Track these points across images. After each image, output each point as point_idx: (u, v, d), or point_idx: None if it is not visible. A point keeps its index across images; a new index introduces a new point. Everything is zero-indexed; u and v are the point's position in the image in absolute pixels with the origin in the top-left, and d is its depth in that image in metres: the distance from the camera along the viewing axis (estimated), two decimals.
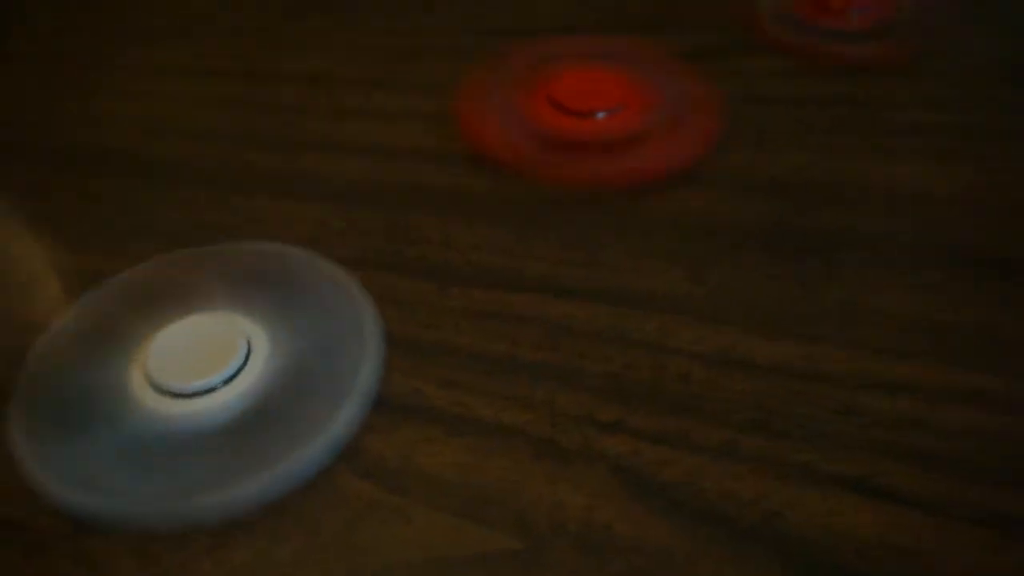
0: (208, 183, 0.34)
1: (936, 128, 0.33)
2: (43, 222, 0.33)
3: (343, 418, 0.24)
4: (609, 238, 0.30)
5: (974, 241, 0.29)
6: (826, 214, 0.30)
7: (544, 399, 0.25)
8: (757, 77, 0.37)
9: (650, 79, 0.35)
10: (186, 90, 0.41)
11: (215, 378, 0.25)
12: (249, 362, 0.25)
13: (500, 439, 0.24)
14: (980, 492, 0.22)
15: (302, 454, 0.23)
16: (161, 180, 0.35)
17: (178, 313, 0.27)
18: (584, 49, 0.37)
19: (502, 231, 0.31)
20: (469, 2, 0.45)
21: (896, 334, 0.26)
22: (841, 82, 0.36)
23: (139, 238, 0.32)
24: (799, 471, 0.23)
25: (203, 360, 0.25)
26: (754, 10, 0.40)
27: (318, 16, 0.46)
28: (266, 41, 0.44)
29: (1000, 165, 0.31)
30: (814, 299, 0.27)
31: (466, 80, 0.36)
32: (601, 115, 0.33)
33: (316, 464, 0.24)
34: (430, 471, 0.24)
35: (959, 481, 0.22)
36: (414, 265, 0.30)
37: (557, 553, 0.22)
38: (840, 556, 0.21)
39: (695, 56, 0.38)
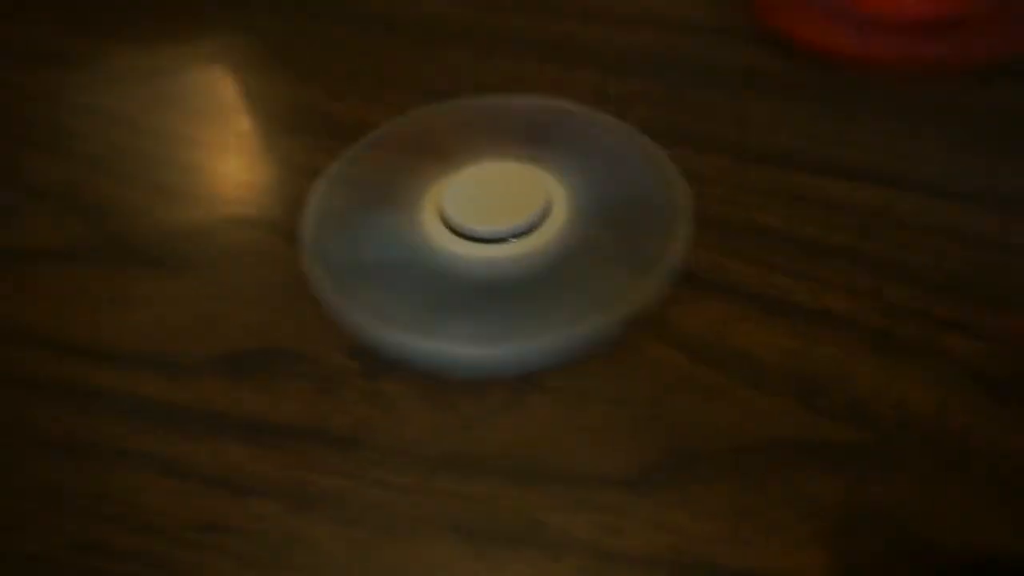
0: (461, 42, 0.32)
1: None
2: (289, 68, 0.32)
3: (646, 287, 0.22)
4: (927, 128, 0.27)
5: None
6: None
7: (870, 288, 0.23)
8: None
9: None
10: None
11: (517, 225, 0.23)
12: (549, 217, 0.24)
13: (824, 326, 0.22)
14: None
15: (603, 317, 0.22)
16: (405, 35, 0.33)
17: (467, 161, 0.25)
18: None
19: (802, 113, 0.28)
20: None
21: None
22: None
23: (393, 89, 0.30)
24: None
25: (503, 207, 0.23)
26: None
27: None
28: None
29: None
30: None
31: None
32: None
33: (618, 328, 0.22)
34: (747, 349, 0.22)
35: None
36: (705, 140, 0.27)
37: (906, 453, 0.19)
38: None
39: None
